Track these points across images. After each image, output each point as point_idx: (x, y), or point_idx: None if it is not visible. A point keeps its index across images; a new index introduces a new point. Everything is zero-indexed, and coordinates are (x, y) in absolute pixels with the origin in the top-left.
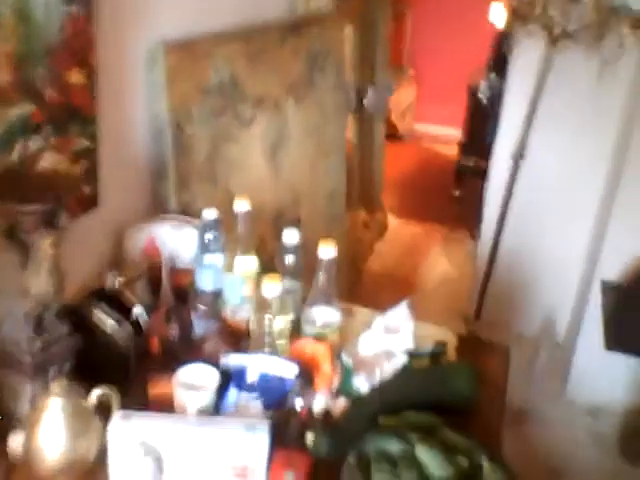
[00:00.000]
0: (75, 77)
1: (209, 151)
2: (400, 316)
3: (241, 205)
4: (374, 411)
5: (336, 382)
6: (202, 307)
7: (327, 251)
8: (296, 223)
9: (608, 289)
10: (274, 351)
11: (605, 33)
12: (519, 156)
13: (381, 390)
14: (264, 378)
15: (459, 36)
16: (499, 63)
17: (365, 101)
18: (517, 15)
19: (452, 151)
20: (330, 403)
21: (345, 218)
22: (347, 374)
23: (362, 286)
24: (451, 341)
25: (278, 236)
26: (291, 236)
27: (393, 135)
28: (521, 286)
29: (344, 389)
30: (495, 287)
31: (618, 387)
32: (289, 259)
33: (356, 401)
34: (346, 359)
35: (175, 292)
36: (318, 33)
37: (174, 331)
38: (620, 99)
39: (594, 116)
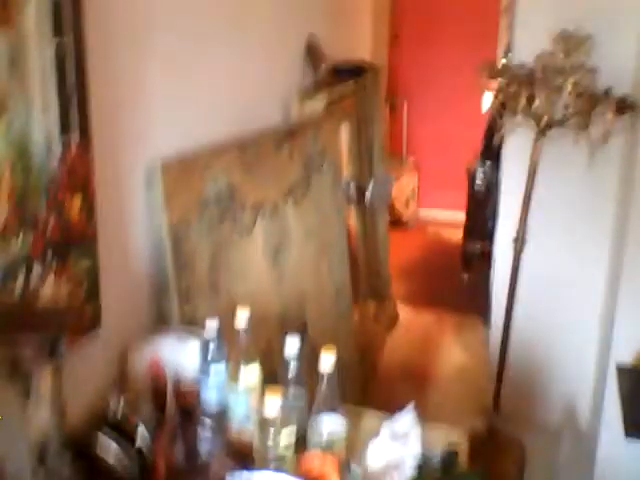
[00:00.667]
0: (75, 203)
1: (210, 261)
2: (407, 422)
3: (241, 315)
4: None
5: None
6: (208, 425)
7: (328, 359)
8: (302, 326)
9: (623, 373)
10: (280, 466)
11: (590, 120)
12: (521, 241)
13: None
14: None
15: (456, 122)
16: (492, 151)
17: (366, 194)
18: (504, 107)
19: (458, 235)
20: None
21: (352, 314)
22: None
23: (376, 380)
24: (463, 441)
25: (285, 341)
26: (293, 345)
27: (398, 222)
28: (537, 374)
29: None
30: (511, 376)
31: None
32: (293, 368)
33: None
34: (355, 472)
35: (181, 409)
36: (313, 136)
37: (179, 452)
38: (612, 182)
39: (590, 199)
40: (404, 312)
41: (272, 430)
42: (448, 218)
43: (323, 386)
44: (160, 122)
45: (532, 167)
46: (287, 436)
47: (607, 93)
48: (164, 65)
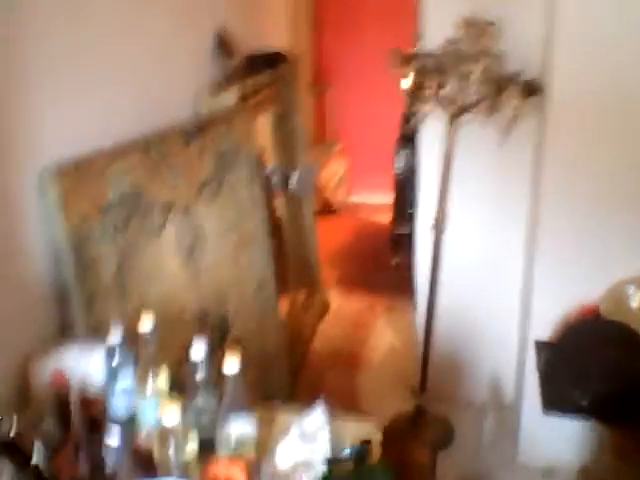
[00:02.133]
0: None
1: (117, 265)
2: (316, 421)
3: (146, 320)
4: None
5: None
6: (115, 434)
7: (231, 365)
8: (223, 321)
9: (540, 348)
10: (184, 474)
11: (498, 104)
12: (439, 226)
13: None
14: None
15: (382, 106)
16: (409, 138)
17: (290, 183)
18: (416, 95)
19: (389, 219)
20: None
21: (278, 306)
22: None
23: (307, 369)
24: (376, 433)
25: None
26: (198, 349)
27: (328, 210)
28: (463, 353)
29: None
30: (437, 357)
31: (570, 445)
32: (200, 372)
33: None
34: (264, 475)
35: (87, 420)
36: (225, 130)
37: (84, 465)
38: (524, 163)
39: (505, 182)
40: (335, 298)
41: (173, 439)
42: (379, 202)
43: (229, 389)
44: (53, 123)
45: (447, 152)
46: (190, 444)
47: (514, 78)
48: (55, 60)
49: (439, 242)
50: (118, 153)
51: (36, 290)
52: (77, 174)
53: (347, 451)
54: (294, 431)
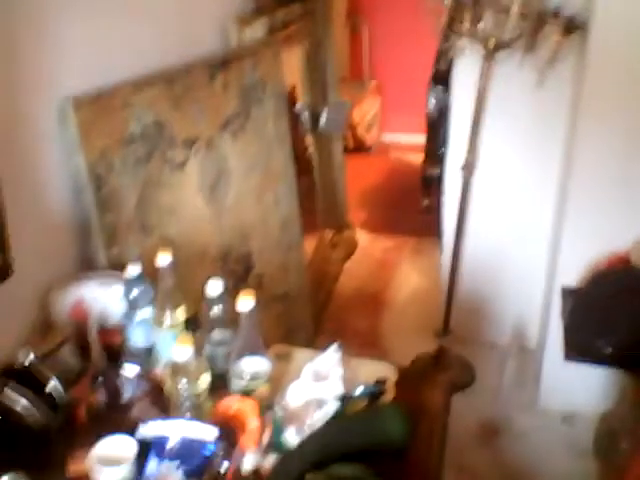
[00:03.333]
0: None
1: (138, 200)
2: (329, 361)
3: (163, 257)
4: (301, 467)
5: (267, 437)
6: (132, 368)
7: (246, 303)
8: (247, 258)
9: (567, 295)
10: (196, 414)
11: (537, 42)
12: (470, 166)
13: (309, 443)
14: (184, 444)
15: (419, 43)
16: (443, 76)
17: (320, 121)
18: (451, 30)
19: (421, 159)
20: (260, 461)
21: (302, 245)
22: (277, 428)
23: (332, 307)
24: (391, 375)
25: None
26: (214, 287)
27: (360, 148)
28: (487, 296)
29: (275, 444)
30: (461, 300)
31: (590, 392)
32: (216, 310)
33: (283, 458)
34: (277, 412)
35: (107, 352)
36: (251, 64)
37: (101, 397)
38: (561, 105)
39: (539, 123)
40: (363, 238)
41: (185, 374)
42: (412, 142)
43: (243, 326)
44: (72, 53)
45: (481, 91)
46: (202, 379)
47: (555, 14)
48: None
49: (468, 184)
50: (141, 85)
51: (57, 222)
52: (98, 105)
53: (361, 389)
54: (307, 370)
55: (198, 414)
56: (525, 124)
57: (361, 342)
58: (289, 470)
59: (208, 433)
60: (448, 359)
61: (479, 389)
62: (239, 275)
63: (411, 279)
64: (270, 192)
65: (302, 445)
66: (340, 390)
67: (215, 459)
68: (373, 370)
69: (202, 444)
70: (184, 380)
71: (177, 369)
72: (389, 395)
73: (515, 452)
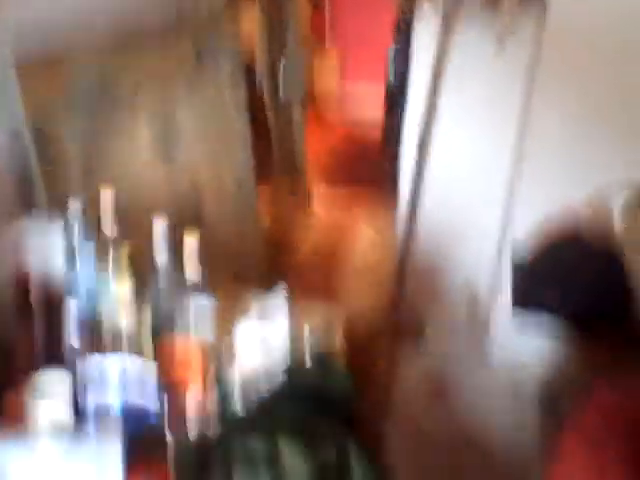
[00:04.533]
0: None
1: (84, 158)
2: (276, 302)
3: (105, 195)
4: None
5: (211, 382)
6: (73, 310)
7: (190, 242)
8: (198, 219)
9: (517, 252)
10: (137, 352)
11: (497, 11)
12: (427, 127)
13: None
14: (126, 408)
15: (380, 11)
16: (403, 44)
17: (279, 83)
18: None
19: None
20: (202, 407)
21: (256, 206)
22: (221, 376)
23: (289, 265)
24: (338, 319)
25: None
26: (158, 229)
27: (319, 117)
28: (441, 254)
29: (219, 390)
30: (416, 254)
31: (539, 348)
32: (160, 256)
33: (228, 423)
34: (221, 354)
35: (45, 296)
36: (209, 27)
37: (41, 339)
38: (519, 70)
39: (498, 88)
40: (321, 200)
41: (127, 314)
42: (373, 116)
43: (189, 270)
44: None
45: (439, 58)
46: (144, 321)
47: None
48: None
49: (425, 146)
50: (85, 39)
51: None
52: (37, 62)
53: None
54: (253, 312)
55: (140, 352)
56: (485, 88)
57: (314, 296)
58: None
59: (147, 369)
60: (398, 311)
61: (429, 343)
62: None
63: (367, 236)
64: (224, 150)
65: (251, 412)
66: (286, 329)
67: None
68: (319, 313)
69: (145, 410)
70: (126, 318)
71: (120, 307)
72: (337, 344)
73: (463, 406)
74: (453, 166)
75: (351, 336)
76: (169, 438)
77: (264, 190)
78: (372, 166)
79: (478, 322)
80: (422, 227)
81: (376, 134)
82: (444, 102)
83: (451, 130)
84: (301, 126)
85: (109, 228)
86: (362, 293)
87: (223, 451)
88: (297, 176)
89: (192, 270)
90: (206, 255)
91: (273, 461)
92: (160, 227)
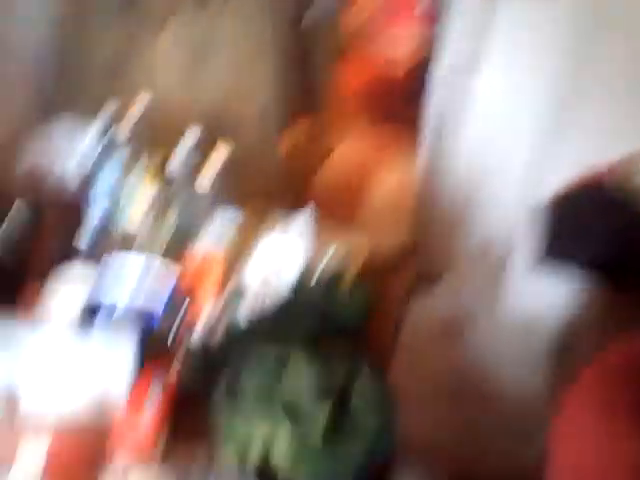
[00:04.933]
0: None
1: (110, 65)
2: (299, 222)
3: (138, 100)
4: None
5: (225, 298)
6: (94, 217)
7: (216, 154)
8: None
9: (547, 204)
10: (157, 257)
11: None
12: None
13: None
14: (140, 309)
15: None
16: None
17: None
18: None
19: None
20: (213, 322)
21: (280, 133)
22: (236, 293)
23: (311, 196)
24: (361, 250)
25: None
26: (187, 141)
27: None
28: (465, 199)
29: (234, 302)
30: (438, 205)
31: (556, 300)
32: (185, 168)
33: (236, 329)
34: (238, 269)
35: (66, 201)
36: None
37: (57, 245)
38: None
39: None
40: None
41: (149, 220)
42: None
43: (214, 182)
44: None
45: None
46: (166, 230)
47: None
48: None
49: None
50: None
51: (22, 78)
52: None
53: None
54: (276, 228)
55: (158, 257)
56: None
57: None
58: (241, 340)
59: (165, 273)
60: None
61: (445, 289)
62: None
63: (396, 171)
64: (254, 72)
65: (259, 320)
66: (306, 251)
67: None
68: (343, 239)
69: (150, 314)
70: (149, 217)
71: (143, 214)
72: (354, 269)
73: (472, 354)
74: (485, 113)
75: (369, 267)
76: (179, 341)
77: (294, 120)
78: (406, 106)
79: (496, 270)
80: (446, 172)
81: (414, 73)
82: (483, 46)
83: (488, 76)
84: (335, 57)
85: (136, 134)
86: (383, 230)
87: (231, 356)
88: (327, 109)
89: (217, 182)
90: (232, 171)
91: (281, 367)
92: (188, 137)
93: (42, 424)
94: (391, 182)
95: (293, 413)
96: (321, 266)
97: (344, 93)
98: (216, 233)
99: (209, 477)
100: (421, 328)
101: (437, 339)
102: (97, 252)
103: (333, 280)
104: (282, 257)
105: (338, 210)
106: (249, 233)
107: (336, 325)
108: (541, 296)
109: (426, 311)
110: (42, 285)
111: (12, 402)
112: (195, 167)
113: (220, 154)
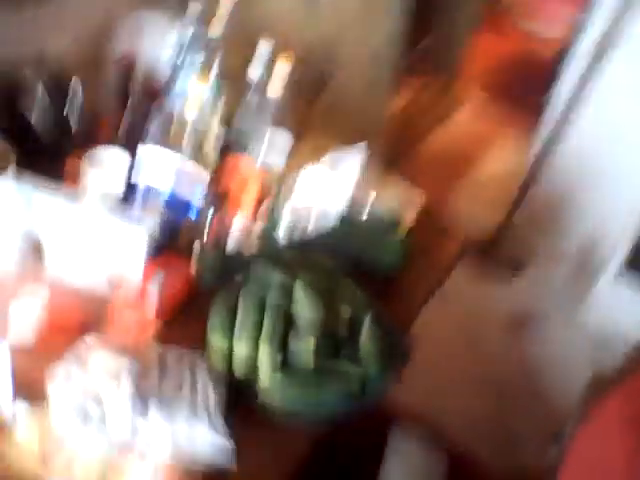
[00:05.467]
0: None
1: None
2: (351, 161)
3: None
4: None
5: (262, 211)
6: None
7: (282, 66)
8: (321, 76)
9: None
10: (196, 155)
11: None
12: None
13: (296, 245)
14: (173, 198)
15: None
16: None
17: None
18: None
19: None
20: (246, 231)
21: (390, 84)
22: (275, 214)
23: (408, 160)
24: (417, 203)
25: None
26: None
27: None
28: (566, 197)
29: (267, 221)
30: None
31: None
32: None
33: (262, 252)
34: (279, 190)
35: (145, 93)
36: None
37: (128, 120)
38: None
39: None
40: (470, 101)
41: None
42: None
43: (275, 98)
44: None
45: None
46: (214, 123)
47: None
48: None
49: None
50: None
51: None
52: None
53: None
54: (327, 160)
55: (198, 156)
56: None
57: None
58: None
59: (200, 177)
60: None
61: (522, 281)
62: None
63: (506, 151)
64: (373, 11)
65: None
66: (351, 192)
67: (199, 218)
68: (400, 193)
69: (188, 203)
70: (196, 112)
71: (195, 103)
72: (402, 221)
73: (532, 350)
74: (609, 110)
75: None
76: (207, 240)
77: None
78: (534, 86)
79: (583, 274)
80: (557, 163)
81: (558, 57)
82: (619, 36)
83: (621, 72)
84: (473, 22)
85: (219, 33)
86: (481, 205)
87: (246, 269)
88: (452, 73)
89: (279, 96)
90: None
91: (284, 294)
92: (264, 48)
93: (49, 279)
94: (500, 161)
95: (278, 341)
96: (366, 208)
97: (476, 62)
98: (267, 148)
99: (188, 371)
100: (487, 314)
101: (501, 328)
102: (153, 138)
103: (376, 225)
104: (329, 191)
105: (440, 175)
106: (300, 158)
107: (367, 270)
108: (624, 314)
109: (496, 298)
110: (85, 160)
111: (35, 249)
112: (265, 80)
113: (284, 66)
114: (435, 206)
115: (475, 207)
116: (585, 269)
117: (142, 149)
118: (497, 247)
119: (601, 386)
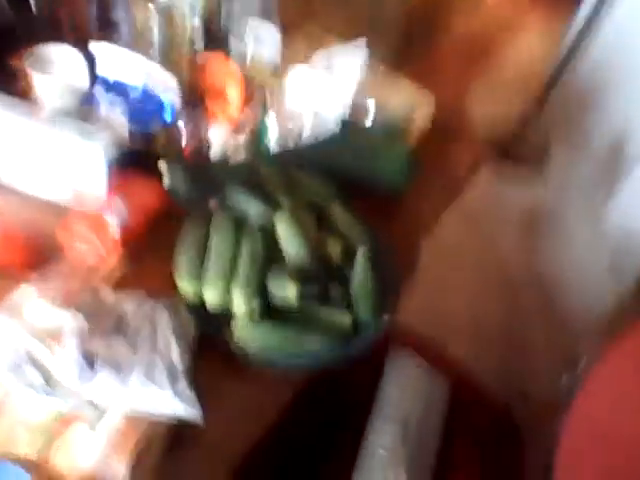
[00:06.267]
0: None
1: None
2: (352, 56)
3: None
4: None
5: (249, 122)
6: None
7: None
8: None
9: None
10: (167, 53)
11: None
12: None
13: (288, 156)
14: (143, 94)
15: None
16: None
17: None
18: None
19: None
20: (228, 140)
21: None
22: (264, 120)
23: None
24: (428, 108)
25: None
26: None
27: None
28: (600, 89)
29: (256, 130)
30: (568, 82)
31: None
32: None
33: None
34: (267, 94)
35: None
36: None
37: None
38: None
39: None
40: None
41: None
42: None
43: None
44: None
45: None
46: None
47: None
48: None
49: None
50: None
51: None
52: None
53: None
54: (322, 59)
55: (170, 54)
56: None
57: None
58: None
59: (167, 85)
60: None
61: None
62: None
63: (536, 37)
64: None
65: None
66: (350, 91)
67: (172, 121)
68: (408, 96)
69: (161, 102)
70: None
71: None
72: (411, 131)
73: (546, 253)
74: None
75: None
76: (177, 152)
77: None
78: None
79: (610, 169)
80: (591, 52)
81: None
82: None
83: None
84: None
85: None
86: (506, 95)
87: (222, 190)
88: None
89: None
90: None
91: (266, 225)
92: None
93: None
94: (530, 48)
95: (255, 285)
96: (369, 115)
97: None
98: (253, 46)
99: (147, 324)
100: (494, 211)
101: (519, 230)
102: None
103: (379, 133)
104: (324, 94)
105: (458, 72)
106: (295, 55)
107: (368, 186)
108: None
109: (514, 200)
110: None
111: None
112: None
113: None
114: (449, 110)
115: (495, 106)
116: (611, 168)
117: (100, 47)
118: (521, 141)
119: (619, 322)
